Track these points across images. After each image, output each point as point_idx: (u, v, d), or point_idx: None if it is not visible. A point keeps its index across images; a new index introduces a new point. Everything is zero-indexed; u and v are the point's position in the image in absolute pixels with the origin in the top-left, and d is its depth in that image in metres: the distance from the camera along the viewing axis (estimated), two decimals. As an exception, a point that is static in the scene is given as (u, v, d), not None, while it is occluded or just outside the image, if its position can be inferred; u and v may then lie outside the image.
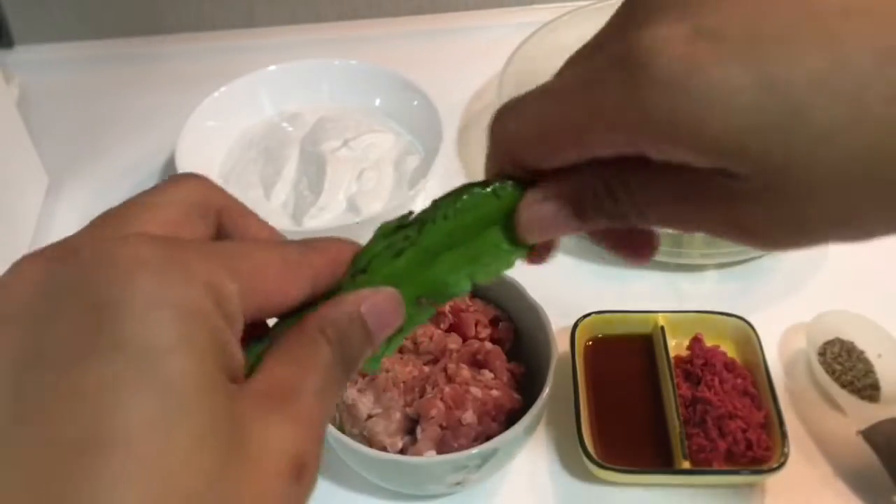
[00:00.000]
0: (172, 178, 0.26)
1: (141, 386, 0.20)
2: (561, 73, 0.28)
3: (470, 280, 0.31)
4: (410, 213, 0.30)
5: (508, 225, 0.30)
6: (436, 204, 0.30)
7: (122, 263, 0.21)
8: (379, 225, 0.30)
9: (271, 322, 0.27)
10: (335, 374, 0.25)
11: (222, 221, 0.27)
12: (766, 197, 0.24)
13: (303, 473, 0.23)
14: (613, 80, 0.24)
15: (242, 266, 0.23)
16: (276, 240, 0.28)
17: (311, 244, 0.27)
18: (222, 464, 0.21)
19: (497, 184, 0.30)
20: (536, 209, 0.29)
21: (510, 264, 0.31)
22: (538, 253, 0.32)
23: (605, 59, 0.24)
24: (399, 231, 0.30)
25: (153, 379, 0.20)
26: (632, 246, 0.32)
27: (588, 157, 0.26)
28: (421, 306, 0.30)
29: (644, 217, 0.27)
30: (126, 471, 0.19)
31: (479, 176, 0.31)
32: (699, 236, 0.63)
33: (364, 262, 0.28)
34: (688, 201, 0.26)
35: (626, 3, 0.25)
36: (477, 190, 0.30)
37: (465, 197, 0.30)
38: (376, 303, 0.27)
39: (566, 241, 0.72)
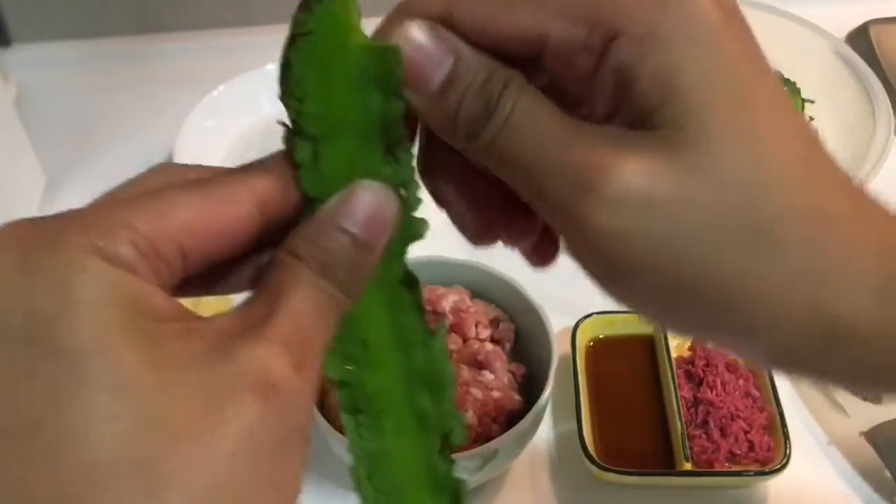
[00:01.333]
0: (142, 172, 0.26)
1: (29, 364, 0.20)
2: None
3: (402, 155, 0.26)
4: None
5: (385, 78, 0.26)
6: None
7: None
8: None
9: None
10: (321, 291, 0.24)
11: None
12: (665, 148, 0.23)
13: (273, 393, 0.21)
14: None
15: (139, 214, 0.22)
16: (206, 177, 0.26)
17: (248, 168, 0.26)
18: (147, 414, 0.20)
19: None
20: (416, 31, 0.25)
21: (399, 127, 0.26)
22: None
23: None
24: (293, 136, 0.26)
25: (43, 352, 0.20)
26: (537, 251, 0.31)
27: (535, 36, 0.25)
28: (394, 154, 0.26)
29: (500, 130, 0.25)
30: (54, 448, 0.19)
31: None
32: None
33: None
34: (561, 139, 0.24)
35: None
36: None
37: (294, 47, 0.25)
38: (351, 205, 0.25)
39: (567, 240, 0.71)
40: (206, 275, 0.25)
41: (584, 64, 0.25)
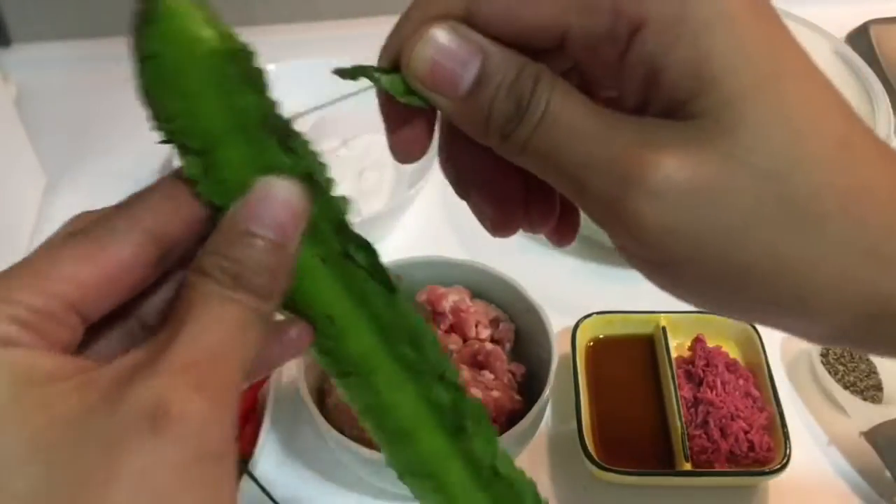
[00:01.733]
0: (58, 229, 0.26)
1: None
2: None
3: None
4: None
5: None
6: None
7: None
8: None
9: None
10: (233, 303, 0.23)
11: None
12: (699, 138, 0.23)
13: (167, 423, 0.21)
14: None
15: (19, 284, 0.23)
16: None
17: (136, 197, 0.25)
18: (47, 481, 0.20)
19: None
20: (440, 34, 0.25)
21: (282, 117, 0.26)
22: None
23: None
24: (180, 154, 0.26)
25: None
26: (557, 233, 0.31)
27: (559, 29, 0.25)
28: (288, 145, 0.26)
29: (536, 128, 0.25)
30: None
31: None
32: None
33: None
34: (592, 134, 0.24)
35: None
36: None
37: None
38: (253, 206, 0.24)
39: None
40: (123, 313, 0.26)
41: (608, 54, 0.25)
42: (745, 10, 0.24)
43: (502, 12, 0.25)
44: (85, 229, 0.24)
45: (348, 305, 0.27)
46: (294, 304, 0.27)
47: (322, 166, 0.26)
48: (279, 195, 0.25)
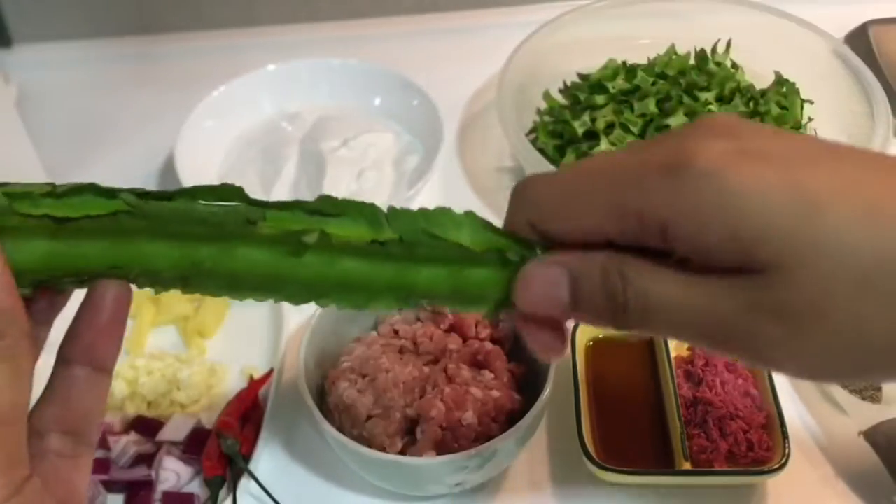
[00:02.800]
0: None
1: None
2: (597, 157, 0.30)
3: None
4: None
5: None
6: None
7: None
8: None
9: None
10: None
11: None
12: (780, 291, 0.25)
13: None
14: (655, 170, 0.26)
15: None
16: None
17: None
18: None
19: None
20: (530, 269, 0.29)
21: None
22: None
23: (651, 153, 0.27)
24: None
25: None
26: (545, 344, 0.32)
27: (604, 233, 0.28)
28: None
29: (643, 314, 0.28)
30: None
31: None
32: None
33: None
34: (698, 309, 0.27)
35: (678, 128, 0.29)
36: None
37: None
38: None
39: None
40: None
41: (654, 244, 0.27)
42: (732, 167, 0.25)
43: (559, 227, 0.29)
44: None
45: (118, 247, 0.28)
46: (86, 280, 0.28)
47: None
48: None
